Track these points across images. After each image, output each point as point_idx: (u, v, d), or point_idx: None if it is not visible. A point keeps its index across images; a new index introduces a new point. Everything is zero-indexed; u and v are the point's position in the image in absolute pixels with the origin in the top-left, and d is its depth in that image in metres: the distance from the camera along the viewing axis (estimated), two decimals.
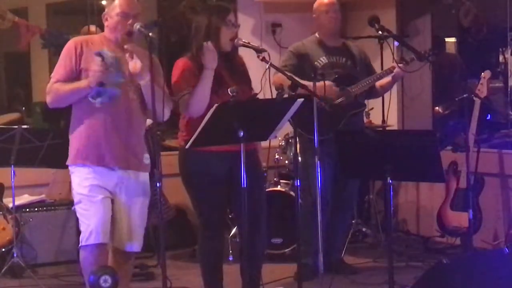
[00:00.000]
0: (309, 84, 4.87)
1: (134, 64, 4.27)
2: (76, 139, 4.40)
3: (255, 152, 4.75)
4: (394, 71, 5.64)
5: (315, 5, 5.85)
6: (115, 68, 4.26)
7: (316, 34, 5.82)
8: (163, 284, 4.16)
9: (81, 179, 4.36)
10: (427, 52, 5.67)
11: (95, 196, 4.32)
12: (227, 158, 4.58)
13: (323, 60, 5.69)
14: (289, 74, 4.91)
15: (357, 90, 5.64)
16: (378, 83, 5.75)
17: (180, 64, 4.65)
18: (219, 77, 4.59)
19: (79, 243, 4.41)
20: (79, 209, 4.38)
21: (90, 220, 4.30)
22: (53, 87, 4.34)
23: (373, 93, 5.85)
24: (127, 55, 4.30)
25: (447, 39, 8.46)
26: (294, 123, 4.90)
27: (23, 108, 8.52)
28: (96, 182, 4.33)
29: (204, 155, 4.55)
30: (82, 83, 4.27)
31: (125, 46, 4.30)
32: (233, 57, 4.70)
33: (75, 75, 4.33)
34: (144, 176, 4.50)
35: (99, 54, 4.21)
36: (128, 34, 4.34)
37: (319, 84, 5.10)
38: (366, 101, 5.97)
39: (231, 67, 4.68)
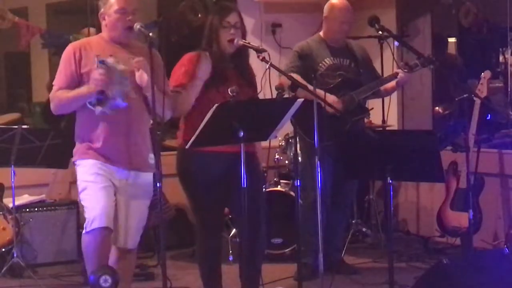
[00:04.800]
0: (310, 87, 4.86)
1: (141, 77, 4.27)
2: (81, 141, 4.41)
3: (254, 154, 4.74)
4: (398, 77, 5.61)
5: (330, 7, 5.71)
6: (121, 81, 4.22)
7: (321, 34, 5.80)
8: (163, 284, 4.17)
9: (87, 168, 4.37)
10: (430, 57, 5.65)
11: (100, 183, 4.33)
12: (224, 159, 4.59)
13: (328, 61, 5.66)
14: (289, 75, 4.91)
15: (361, 96, 5.62)
16: (382, 87, 5.73)
17: (185, 59, 4.68)
18: (223, 75, 4.60)
19: (79, 243, 4.41)
20: (83, 196, 4.39)
21: (94, 205, 4.30)
22: (55, 95, 4.36)
23: (375, 94, 5.83)
24: (133, 60, 4.29)
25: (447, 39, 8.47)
26: (296, 125, 4.89)
27: (28, 108, 8.54)
28: (102, 172, 4.36)
29: (201, 156, 4.55)
30: (83, 90, 4.27)
31: (133, 61, 4.29)
32: (239, 58, 4.69)
33: (76, 80, 4.33)
34: (148, 176, 4.51)
35: (103, 62, 4.18)
36: (128, 29, 4.33)
37: (328, 96, 5.13)
38: (366, 101, 5.96)
39: (236, 68, 4.68)
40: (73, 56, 4.34)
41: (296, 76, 5.30)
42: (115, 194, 4.40)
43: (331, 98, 5.40)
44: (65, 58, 4.38)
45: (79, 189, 4.43)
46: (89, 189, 4.36)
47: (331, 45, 5.72)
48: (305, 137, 5.41)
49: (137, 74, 4.30)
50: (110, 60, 4.22)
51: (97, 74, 4.19)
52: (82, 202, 4.43)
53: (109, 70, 4.18)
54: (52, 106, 4.40)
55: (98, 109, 4.23)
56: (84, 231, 4.35)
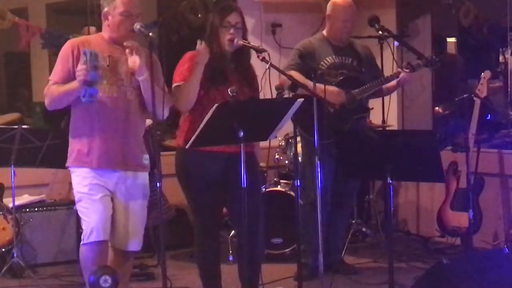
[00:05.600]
0: (311, 85, 4.86)
1: (133, 60, 4.28)
2: (75, 141, 4.41)
3: (252, 154, 4.73)
4: (400, 76, 5.61)
5: (333, 6, 5.71)
6: (93, 66, 4.17)
7: (323, 32, 5.80)
8: (163, 284, 4.17)
9: (81, 178, 4.38)
10: (432, 58, 5.65)
11: (95, 195, 4.33)
12: (222, 159, 4.60)
13: (330, 59, 5.66)
14: (289, 75, 4.91)
15: (362, 94, 5.62)
16: (384, 85, 5.73)
17: (187, 57, 4.68)
18: (223, 75, 4.60)
19: (79, 243, 4.42)
20: (79, 207, 4.40)
21: (91, 218, 4.32)
22: (49, 89, 4.36)
23: (377, 93, 5.83)
24: (127, 51, 4.30)
25: (447, 39, 8.47)
26: (296, 123, 4.90)
27: (28, 108, 8.54)
28: (96, 181, 4.35)
29: (200, 156, 4.55)
30: (74, 84, 4.26)
31: (125, 43, 4.30)
32: (240, 58, 4.69)
33: (72, 77, 4.32)
34: (143, 176, 4.51)
35: (84, 53, 4.18)
36: (130, 32, 4.33)
37: (328, 88, 5.12)
38: (368, 101, 5.95)
39: (236, 68, 4.68)
40: (71, 53, 4.34)
41: (296, 73, 5.30)
42: (112, 200, 4.40)
43: (330, 89, 5.40)
44: (63, 55, 4.38)
45: (75, 199, 4.44)
46: (84, 202, 4.36)
47: (334, 43, 5.72)
48: (306, 135, 5.41)
49: (130, 59, 4.29)
50: (88, 49, 4.20)
51: (79, 65, 4.20)
52: (79, 213, 4.44)
53: (86, 58, 4.17)
54: (46, 101, 4.39)
55: (85, 99, 4.21)
56: (82, 242, 4.37)
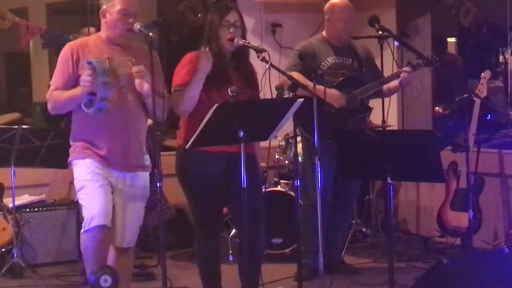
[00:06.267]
0: (311, 85, 4.87)
1: (141, 85, 4.29)
2: (76, 143, 4.43)
3: (253, 154, 4.73)
4: (401, 76, 5.61)
5: (331, 8, 5.72)
6: (103, 82, 4.19)
7: (323, 33, 5.80)
8: (163, 284, 4.17)
9: (84, 167, 4.38)
10: (431, 57, 5.65)
11: (97, 181, 4.34)
12: (223, 159, 4.59)
13: (331, 60, 5.67)
14: (289, 75, 4.91)
15: (363, 94, 5.63)
16: (386, 86, 5.73)
17: (187, 59, 4.67)
18: (223, 75, 4.60)
19: (79, 243, 4.42)
20: (81, 194, 4.39)
21: (92, 203, 4.30)
22: (52, 95, 4.38)
23: (378, 94, 5.83)
24: (134, 69, 4.30)
25: (447, 39, 8.47)
26: (297, 122, 4.90)
27: (28, 108, 8.54)
28: (98, 171, 4.36)
29: (200, 156, 4.55)
30: (77, 91, 4.27)
31: (134, 69, 4.29)
32: (240, 57, 4.69)
33: (72, 81, 4.34)
34: (144, 176, 4.51)
35: (90, 63, 4.18)
36: (128, 30, 4.34)
37: (329, 91, 5.11)
38: (369, 101, 5.95)
39: (236, 67, 4.68)
40: (70, 57, 4.35)
41: (297, 74, 5.30)
42: (112, 193, 4.41)
43: (331, 92, 5.41)
44: (62, 59, 4.39)
45: (77, 188, 4.43)
46: (86, 188, 4.36)
47: (334, 44, 5.72)
48: (308, 135, 5.41)
49: (137, 81, 4.30)
50: (95, 60, 4.21)
51: (84, 75, 4.20)
52: (80, 201, 4.43)
53: (96, 70, 4.18)
54: (48, 106, 4.42)
55: (91, 110, 4.23)
56: (82, 230, 4.35)
